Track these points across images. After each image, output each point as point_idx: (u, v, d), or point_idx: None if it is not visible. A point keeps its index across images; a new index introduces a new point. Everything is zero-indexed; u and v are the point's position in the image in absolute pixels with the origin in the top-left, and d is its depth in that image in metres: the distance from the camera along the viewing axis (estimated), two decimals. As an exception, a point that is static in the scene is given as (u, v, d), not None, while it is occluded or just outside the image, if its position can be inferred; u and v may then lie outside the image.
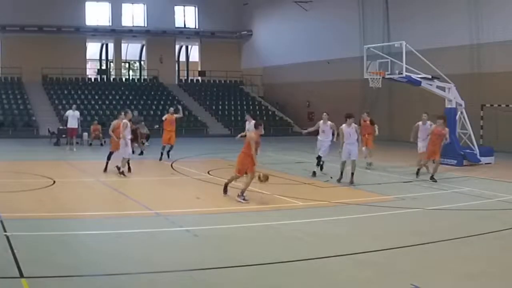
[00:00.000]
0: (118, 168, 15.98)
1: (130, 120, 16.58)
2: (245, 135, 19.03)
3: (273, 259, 7.84)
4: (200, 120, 37.97)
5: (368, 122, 19.04)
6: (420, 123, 17.51)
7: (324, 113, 16.84)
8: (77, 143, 24.96)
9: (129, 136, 16.17)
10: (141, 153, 21.72)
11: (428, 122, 17.38)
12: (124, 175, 15.77)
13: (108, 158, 16.90)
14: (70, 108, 25.25)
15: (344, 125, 15.06)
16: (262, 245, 8.80)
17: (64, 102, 35.82)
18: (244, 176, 12.35)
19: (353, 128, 15.11)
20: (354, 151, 15.10)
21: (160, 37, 43.49)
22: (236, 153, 12.79)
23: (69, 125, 24.36)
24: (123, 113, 17.25)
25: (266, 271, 7.50)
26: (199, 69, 45.89)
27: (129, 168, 16.47)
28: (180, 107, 24.46)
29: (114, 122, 17.36)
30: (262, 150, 22.89)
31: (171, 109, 21.59)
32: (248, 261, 7.86)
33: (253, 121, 19.49)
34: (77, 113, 24.81)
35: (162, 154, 20.21)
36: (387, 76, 20.57)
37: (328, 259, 7.97)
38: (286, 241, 9.06)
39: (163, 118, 21.40)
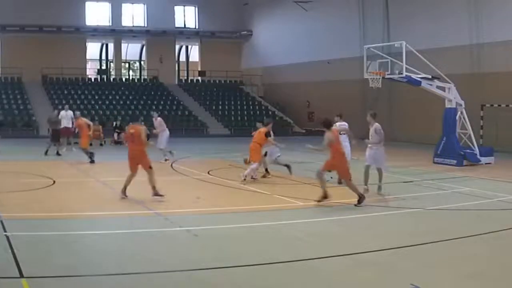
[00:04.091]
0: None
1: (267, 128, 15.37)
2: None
3: (273, 259, 7.83)
4: (200, 120, 37.97)
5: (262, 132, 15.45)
6: None
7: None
8: (75, 143, 24.90)
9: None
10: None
11: None
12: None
13: None
14: (63, 109, 25.15)
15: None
16: (262, 245, 8.79)
17: (64, 102, 35.68)
18: None
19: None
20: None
21: (160, 37, 43.51)
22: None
23: (63, 125, 24.40)
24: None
25: (266, 271, 7.49)
26: (199, 69, 45.92)
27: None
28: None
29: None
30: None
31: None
32: (248, 261, 7.85)
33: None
34: (70, 113, 24.80)
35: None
36: (387, 76, 20.54)
37: (328, 259, 7.97)
38: (286, 241, 9.06)
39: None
